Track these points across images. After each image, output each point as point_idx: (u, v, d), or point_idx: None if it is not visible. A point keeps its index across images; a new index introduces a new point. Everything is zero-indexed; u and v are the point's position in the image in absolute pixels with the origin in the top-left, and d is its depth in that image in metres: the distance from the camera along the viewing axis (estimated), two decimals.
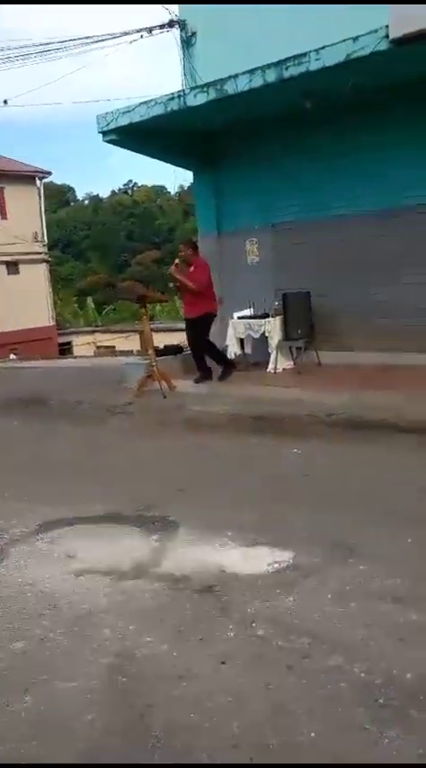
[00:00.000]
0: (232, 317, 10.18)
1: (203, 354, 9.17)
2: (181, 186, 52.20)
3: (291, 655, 2.66)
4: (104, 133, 9.89)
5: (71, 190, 75.03)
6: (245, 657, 2.68)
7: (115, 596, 3.31)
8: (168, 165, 11.53)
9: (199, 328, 9.17)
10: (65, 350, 28.80)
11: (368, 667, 2.52)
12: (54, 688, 2.60)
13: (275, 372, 9.54)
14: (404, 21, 6.61)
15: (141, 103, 9.35)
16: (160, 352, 9.68)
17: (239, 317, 10.06)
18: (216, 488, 4.84)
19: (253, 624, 2.91)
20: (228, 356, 9.95)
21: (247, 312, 10.07)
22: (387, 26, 6.78)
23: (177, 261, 9.23)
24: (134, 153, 10.81)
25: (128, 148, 10.49)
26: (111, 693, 2.53)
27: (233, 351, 10.08)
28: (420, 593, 3.05)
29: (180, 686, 2.54)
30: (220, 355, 9.32)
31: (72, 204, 73.01)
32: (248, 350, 10.19)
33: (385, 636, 2.72)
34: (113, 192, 74.08)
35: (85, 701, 2.49)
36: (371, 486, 4.57)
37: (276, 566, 3.46)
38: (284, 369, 9.71)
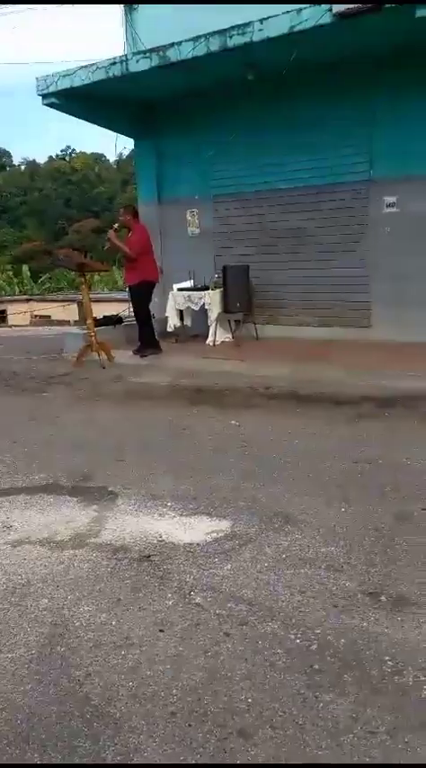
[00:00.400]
0: (172, 289, 10.13)
1: (146, 322, 9.08)
2: (121, 155, 51.25)
3: (228, 622, 2.71)
4: (44, 96, 9.64)
5: (6, 154, 72.78)
6: (183, 625, 2.71)
7: (53, 566, 3.29)
8: (108, 132, 11.31)
9: (137, 297, 9.10)
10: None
11: (303, 633, 2.59)
12: None
13: (214, 345, 9.58)
14: None
15: (82, 67, 9.13)
16: (99, 323, 9.57)
17: (179, 289, 10.02)
18: (155, 459, 4.84)
19: (192, 593, 2.94)
20: (168, 328, 9.95)
21: (187, 284, 10.05)
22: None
23: (115, 226, 9.12)
24: (72, 119, 10.54)
25: (69, 113, 10.22)
26: (50, 663, 2.52)
27: (172, 322, 10.07)
28: (352, 561, 3.13)
29: (118, 654, 2.55)
30: (151, 331, 9.23)
31: (8, 169, 70.91)
32: (187, 322, 10.20)
33: (319, 603, 2.79)
34: (51, 157, 72.30)
35: (24, 672, 2.47)
36: (308, 458, 4.66)
37: (214, 535, 3.50)
38: (223, 341, 9.77)
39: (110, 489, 4.27)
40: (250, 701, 2.23)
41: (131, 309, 9.80)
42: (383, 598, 2.81)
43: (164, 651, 2.55)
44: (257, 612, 2.76)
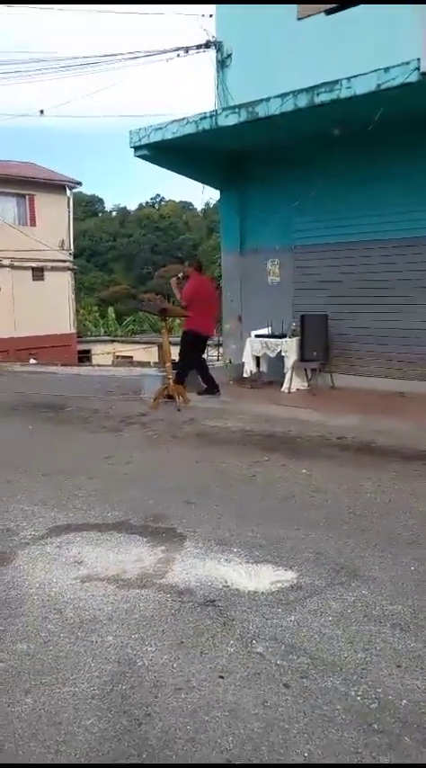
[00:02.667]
0: (249, 335, 10.26)
1: (186, 369, 9.35)
2: (208, 204, 52.59)
3: (289, 673, 2.69)
4: (136, 148, 10.08)
5: (100, 201, 75.93)
6: (244, 673, 2.71)
7: (119, 604, 3.36)
8: (196, 181, 11.68)
9: (183, 344, 9.42)
10: (84, 358, 29.02)
11: (364, 691, 2.55)
12: (55, 691, 2.65)
13: (289, 392, 9.60)
14: None
15: (173, 121, 9.52)
16: (177, 366, 9.76)
17: (256, 336, 10.14)
18: (224, 503, 4.88)
19: (254, 641, 2.95)
20: (244, 374, 10.07)
21: (265, 331, 10.16)
22: (419, 59, 6.88)
23: (179, 275, 9.47)
24: (163, 169, 10.98)
25: (159, 164, 10.66)
26: (111, 700, 2.57)
27: (248, 368, 10.17)
28: (419, 621, 3.07)
29: (178, 697, 2.57)
30: (207, 377, 9.47)
31: (100, 215, 73.88)
32: (264, 368, 10.28)
33: (383, 661, 2.75)
34: (141, 205, 74.95)
35: (85, 707, 2.53)
36: (378, 512, 4.60)
37: (279, 584, 3.50)
38: (298, 389, 9.77)
39: (178, 531, 4.33)
40: (306, 755, 2.22)
41: (209, 353, 10.00)
42: None
43: (223, 698, 2.56)
44: (318, 666, 2.73)
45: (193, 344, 9.33)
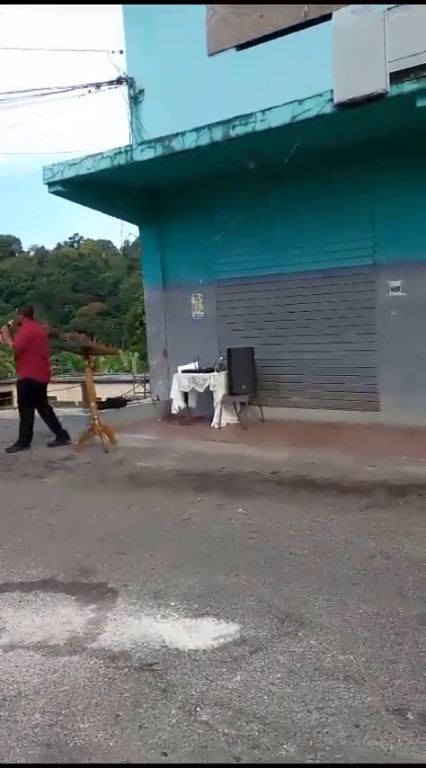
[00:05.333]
0: (176, 371, 10.07)
1: (24, 418, 8.90)
2: (127, 241, 52.59)
3: (239, 744, 2.43)
4: (50, 184, 9.82)
5: (16, 241, 74.92)
6: (189, 747, 2.43)
7: (47, 675, 3.03)
8: (114, 219, 11.50)
9: (19, 392, 9.15)
10: (4, 400, 28.06)
11: (322, 758, 2.31)
12: None
13: (219, 427, 9.42)
14: (349, 85, 6.77)
15: (88, 156, 9.34)
16: (102, 405, 9.44)
17: (184, 371, 9.95)
18: (158, 551, 4.59)
19: (198, 708, 2.67)
20: (172, 410, 9.84)
21: (192, 366, 9.99)
22: (332, 90, 6.94)
23: (10, 323, 9.27)
24: (81, 207, 10.74)
25: (75, 201, 10.41)
26: None
27: (177, 404, 9.95)
28: (373, 671, 2.86)
29: None
30: (54, 424, 9.09)
31: (17, 255, 72.79)
32: (192, 404, 10.07)
33: (339, 721, 2.51)
34: (59, 244, 74.40)
35: None
36: (320, 551, 4.40)
37: (221, 640, 3.23)
38: (228, 424, 9.61)
39: (109, 586, 4.01)
40: None
41: (136, 390, 9.72)
42: (409, 716, 2.53)
43: None
44: (270, 733, 2.48)
45: (28, 394, 8.91)
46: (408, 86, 6.67)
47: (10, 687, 2.95)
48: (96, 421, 8.56)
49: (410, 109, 6.81)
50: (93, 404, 8.77)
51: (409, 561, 4.13)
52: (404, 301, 8.64)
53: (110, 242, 70.56)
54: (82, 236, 74.94)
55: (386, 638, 3.15)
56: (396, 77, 6.65)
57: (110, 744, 2.50)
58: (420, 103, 6.73)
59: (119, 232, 61.36)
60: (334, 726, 2.50)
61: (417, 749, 2.33)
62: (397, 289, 8.70)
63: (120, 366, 35.40)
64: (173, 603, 3.68)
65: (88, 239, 73.71)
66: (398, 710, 2.57)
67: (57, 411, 9.63)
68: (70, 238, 75.57)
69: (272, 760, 2.32)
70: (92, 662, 3.11)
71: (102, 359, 29.42)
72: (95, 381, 9.28)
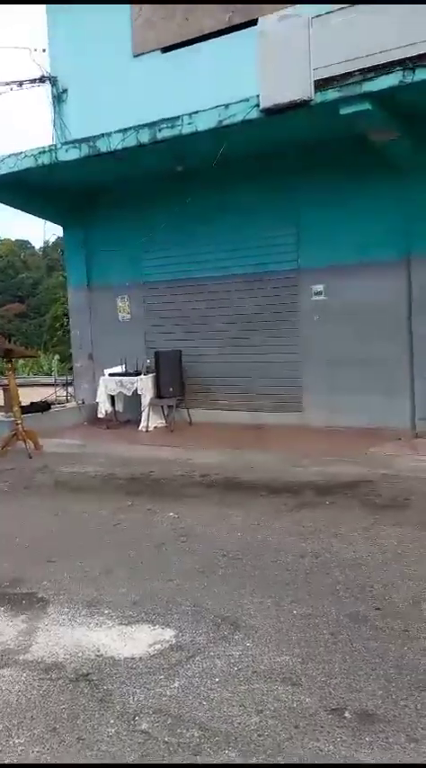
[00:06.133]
0: (103, 374, 9.95)
1: None
2: (47, 242, 51.55)
3: (180, 751, 2.41)
4: None
5: None
6: (130, 758, 2.39)
7: None
8: (34, 219, 11.26)
9: None
10: None
11: (264, 761, 2.31)
12: None
13: (147, 431, 9.38)
14: (274, 92, 6.86)
15: (10, 155, 9.13)
16: (25, 409, 9.21)
17: (110, 374, 9.85)
18: (89, 558, 4.51)
19: (136, 717, 2.63)
20: (98, 414, 9.74)
21: (119, 369, 9.90)
22: (258, 95, 7.02)
23: None
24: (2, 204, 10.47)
25: None
26: None
27: (103, 408, 9.84)
28: (309, 671, 2.90)
29: None
30: None
31: None
32: (119, 407, 9.99)
33: (279, 724, 2.53)
34: None
35: None
36: (251, 553, 4.43)
37: (157, 646, 3.20)
38: (156, 427, 9.58)
39: (40, 596, 3.92)
40: None
41: (58, 394, 9.51)
42: (347, 714, 2.57)
43: None
44: (211, 738, 2.47)
45: None
46: (332, 94, 6.82)
47: None
48: (20, 426, 8.35)
49: (334, 116, 6.96)
50: (15, 408, 8.54)
51: (338, 560, 4.21)
52: (327, 305, 8.83)
53: (28, 242, 68.93)
54: None
55: (320, 638, 3.20)
56: (321, 85, 6.79)
57: (48, 758, 2.44)
58: (343, 111, 6.90)
59: (43, 232, 60.13)
60: (274, 728, 2.51)
61: (355, 747, 2.37)
62: (320, 293, 8.88)
63: (40, 369, 34.63)
64: (106, 611, 3.63)
65: (5, 239, 71.80)
66: (336, 710, 2.60)
67: None
68: None
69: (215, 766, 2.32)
70: (25, 674, 3.03)
71: (21, 362, 28.73)
72: (18, 385, 9.04)
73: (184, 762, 2.35)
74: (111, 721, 2.63)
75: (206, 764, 1.91)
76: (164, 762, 2.35)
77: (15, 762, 2.42)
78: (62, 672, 3.02)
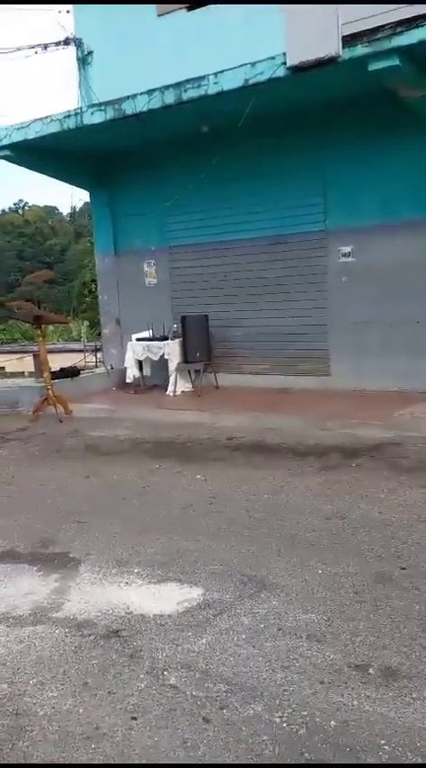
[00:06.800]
0: (130, 339, 10.00)
1: None
2: (74, 207, 51.50)
3: (207, 705, 2.49)
4: None
5: None
6: (158, 711, 2.48)
7: (12, 645, 3.04)
8: (62, 185, 11.25)
9: None
10: None
11: (289, 716, 2.38)
12: None
13: (174, 395, 9.44)
14: (302, 49, 6.72)
15: (36, 119, 9.09)
16: (55, 375, 9.33)
17: (138, 339, 9.90)
18: (118, 519, 4.61)
19: (165, 672, 2.72)
20: (127, 379, 9.83)
21: (146, 334, 9.93)
22: (285, 53, 6.87)
23: None
24: (25, 171, 10.47)
25: (23, 165, 10.14)
26: (12, 759, 2.27)
27: (131, 373, 9.92)
28: (334, 629, 2.95)
29: (88, 747, 2.31)
30: None
31: None
32: (147, 372, 10.05)
33: (304, 679, 2.60)
34: (3, 211, 72.30)
35: None
36: (278, 514, 4.49)
37: (186, 604, 3.28)
38: (183, 391, 9.63)
39: (71, 555, 4.02)
40: None
41: (87, 359, 9.59)
42: (371, 671, 2.62)
43: (139, 742, 2.32)
44: (237, 693, 2.55)
45: None
46: (360, 50, 6.65)
47: None
48: (50, 391, 8.47)
49: (362, 72, 6.79)
50: (46, 374, 8.66)
51: (364, 521, 4.25)
52: (355, 267, 8.72)
53: (56, 208, 69.00)
54: (27, 203, 73.01)
55: (345, 596, 3.25)
56: (348, 40, 6.62)
57: (80, 710, 2.53)
58: (372, 67, 6.72)
59: (70, 198, 60.11)
60: (299, 683, 2.57)
61: (379, 703, 2.42)
62: (348, 254, 8.77)
63: (70, 335, 34.87)
64: (136, 570, 3.72)
65: (34, 205, 71.85)
66: (360, 666, 2.66)
67: (9, 382, 9.48)
68: (15, 204, 73.55)
69: (241, 719, 2.39)
70: (57, 631, 3.13)
71: (50, 328, 28.96)
72: (48, 351, 9.15)
73: (210, 715, 2.42)
74: (141, 676, 2.71)
75: (206, 764, 1.97)
76: (193, 713, 2.43)
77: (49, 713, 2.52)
78: (93, 629, 3.12)
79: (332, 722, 2.32)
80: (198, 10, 9.07)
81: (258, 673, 2.67)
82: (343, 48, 6.60)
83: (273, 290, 9.42)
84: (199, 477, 5.51)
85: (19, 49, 10.90)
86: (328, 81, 7.25)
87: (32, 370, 17.53)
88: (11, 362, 22.66)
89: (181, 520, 4.54)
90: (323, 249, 8.96)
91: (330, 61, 6.64)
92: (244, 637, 2.94)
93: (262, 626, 3.02)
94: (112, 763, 2.22)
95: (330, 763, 2.10)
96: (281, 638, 2.90)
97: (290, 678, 2.61)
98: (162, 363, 9.69)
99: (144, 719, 2.44)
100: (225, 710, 2.45)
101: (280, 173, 9.07)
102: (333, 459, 5.75)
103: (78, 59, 10.51)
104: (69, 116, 8.84)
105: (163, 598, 3.37)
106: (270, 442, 6.54)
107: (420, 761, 2.12)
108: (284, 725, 2.33)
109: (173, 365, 9.49)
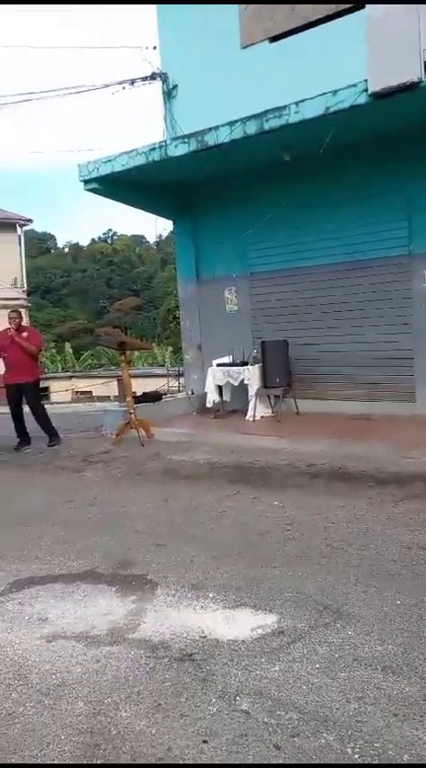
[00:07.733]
0: (211, 365, 10.11)
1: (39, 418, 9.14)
2: (160, 236, 52.82)
3: (278, 732, 2.47)
4: (86, 182, 9.93)
5: (52, 237, 75.76)
6: (229, 736, 2.48)
7: (89, 665, 3.10)
8: (148, 214, 11.57)
9: (38, 392, 9.43)
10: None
11: (361, 747, 2.34)
12: None
13: (254, 420, 9.45)
14: (383, 75, 6.72)
15: (123, 153, 9.41)
16: (138, 399, 9.54)
17: (218, 365, 10.00)
18: (195, 543, 4.65)
19: (237, 697, 2.72)
20: (207, 404, 9.93)
21: (226, 359, 10.03)
22: (366, 80, 6.89)
23: (12, 326, 9.11)
24: (114, 202, 10.85)
25: (110, 197, 10.51)
26: None
27: (211, 398, 10.01)
28: (412, 661, 2.88)
29: None
30: (20, 428, 9.29)
31: (52, 251, 73.61)
32: (227, 397, 10.12)
33: (378, 710, 2.54)
34: (93, 240, 74.99)
35: None
36: (356, 543, 4.42)
37: (260, 630, 3.28)
38: (263, 417, 9.63)
39: (149, 578, 4.09)
40: None
41: (170, 384, 9.75)
42: None
43: None
44: (309, 722, 2.52)
45: (6, 395, 9.06)
46: None
47: (53, 677, 3.02)
48: (132, 415, 8.66)
49: None
50: (129, 398, 8.87)
51: None
52: None
53: (143, 237, 71.08)
54: (115, 232, 75.47)
55: (424, 628, 3.16)
56: None
57: (153, 731, 2.56)
58: None
59: (154, 227, 61.74)
60: (373, 715, 2.52)
61: None
62: None
63: (154, 360, 35.61)
64: (211, 595, 3.74)
65: (122, 235, 74.19)
66: None
67: (95, 405, 9.75)
68: (104, 234, 76.15)
69: (313, 748, 2.36)
70: (133, 652, 3.18)
71: (136, 353, 29.66)
72: (130, 376, 9.38)
73: (282, 742, 2.40)
74: (213, 700, 2.72)
75: (206, 764, 1.95)
76: (264, 739, 2.42)
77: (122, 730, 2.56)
78: (168, 651, 3.15)
79: (406, 756, 2.26)
80: (280, 42, 9.21)
81: (331, 702, 2.63)
82: (425, 72, 6.56)
83: (356, 315, 9.34)
84: (276, 503, 5.49)
85: (107, 86, 11.37)
86: (410, 106, 7.21)
87: (117, 394, 17.97)
88: (97, 387, 23.30)
89: (257, 546, 4.53)
90: (407, 273, 8.83)
91: (412, 86, 6.61)
92: (317, 666, 2.91)
93: (337, 656, 2.98)
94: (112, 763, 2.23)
95: (331, 763, 2.03)
96: (356, 669, 2.85)
97: (364, 709, 2.56)
98: (242, 388, 9.75)
99: (215, 743, 2.44)
100: (296, 738, 2.42)
101: (363, 197, 9.04)
102: (417, 488, 5.61)
103: (164, 93, 10.83)
104: (154, 149, 9.12)
105: (237, 623, 3.37)
106: (350, 469, 6.45)
107: None
108: (356, 756, 2.29)
109: (252, 390, 9.52)
